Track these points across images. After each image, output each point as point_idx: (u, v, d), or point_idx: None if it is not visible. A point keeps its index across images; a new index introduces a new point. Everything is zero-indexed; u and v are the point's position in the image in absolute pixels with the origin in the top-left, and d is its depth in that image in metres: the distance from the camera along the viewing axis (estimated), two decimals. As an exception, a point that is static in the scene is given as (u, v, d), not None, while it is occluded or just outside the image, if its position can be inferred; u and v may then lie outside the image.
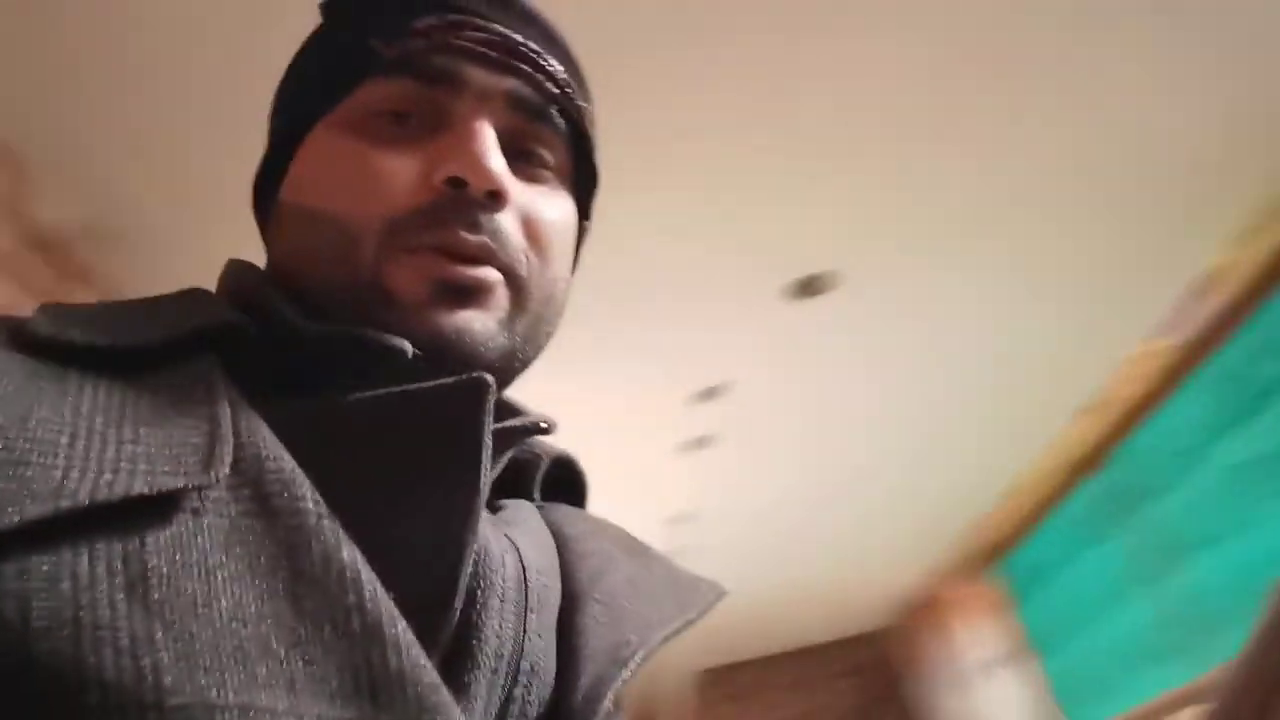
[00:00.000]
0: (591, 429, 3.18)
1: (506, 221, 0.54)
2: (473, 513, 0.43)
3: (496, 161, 0.53)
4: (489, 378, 0.46)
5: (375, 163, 0.54)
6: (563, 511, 0.60)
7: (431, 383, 0.46)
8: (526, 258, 0.55)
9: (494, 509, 0.56)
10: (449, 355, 0.51)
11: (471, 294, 0.52)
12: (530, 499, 0.60)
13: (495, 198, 0.53)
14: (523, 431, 0.56)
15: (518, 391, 0.59)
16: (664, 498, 3.77)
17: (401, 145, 0.55)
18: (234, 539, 0.38)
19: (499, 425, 0.52)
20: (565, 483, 0.64)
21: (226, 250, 0.62)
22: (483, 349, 0.52)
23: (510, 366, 0.55)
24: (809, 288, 2.77)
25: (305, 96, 0.59)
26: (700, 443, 3.42)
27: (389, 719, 0.36)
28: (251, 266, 0.58)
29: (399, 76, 0.55)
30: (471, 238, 0.52)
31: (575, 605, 0.50)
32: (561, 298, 0.59)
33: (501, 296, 0.54)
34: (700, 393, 3.16)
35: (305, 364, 0.50)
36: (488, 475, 0.44)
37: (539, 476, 0.62)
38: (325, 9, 0.61)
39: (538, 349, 0.58)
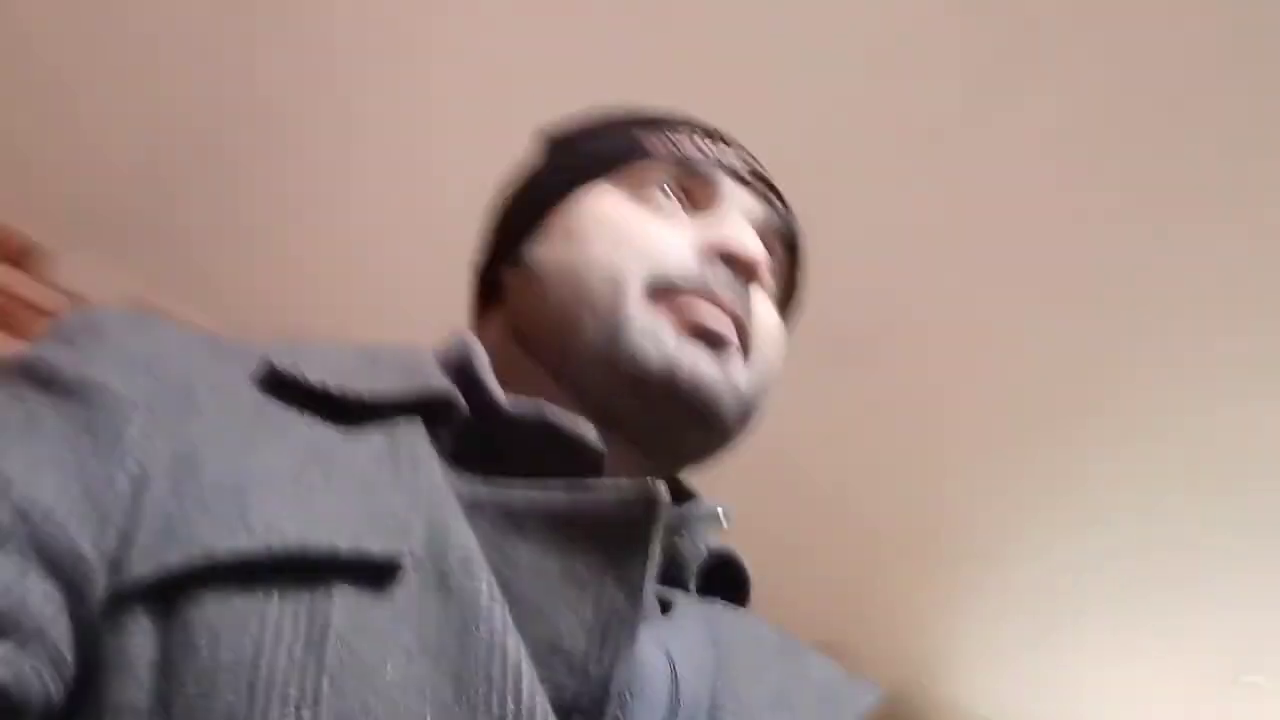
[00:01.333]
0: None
1: (758, 303, 0.61)
2: (633, 623, 0.43)
3: (761, 247, 0.61)
4: (663, 492, 0.47)
5: (648, 224, 0.60)
6: (718, 610, 0.59)
7: (609, 489, 0.48)
8: (760, 343, 0.61)
9: (664, 604, 0.56)
10: (678, 392, 0.55)
11: (723, 345, 0.57)
12: (686, 588, 0.60)
13: (754, 276, 0.60)
14: (697, 519, 0.59)
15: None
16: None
17: (670, 216, 0.62)
18: (412, 611, 0.41)
19: (676, 509, 0.55)
20: (728, 579, 0.63)
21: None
22: (713, 405, 0.56)
23: (715, 441, 0.60)
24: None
25: (567, 170, 0.65)
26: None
27: None
28: (476, 339, 0.59)
29: (669, 164, 0.63)
30: (732, 300, 0.58)
31: (719, 717, 0.50)
32: (768, 398, 0.62)
33: (741, 365, 0.58)
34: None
35: (499, 436, 0.53)
36: (651, 587, 0.45)
37: (697, 569, 0.61)
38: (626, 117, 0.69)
39: (741, 433, 0.61)
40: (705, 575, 0.62)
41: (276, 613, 0.39)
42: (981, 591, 2.81)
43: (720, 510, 0.60)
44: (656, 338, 0.55)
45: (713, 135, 0.66)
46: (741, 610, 0.62)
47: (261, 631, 0.38)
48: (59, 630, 0.38)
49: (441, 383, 0.53)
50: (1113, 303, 1.96)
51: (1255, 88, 1.43)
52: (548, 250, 0.62)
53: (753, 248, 0.59)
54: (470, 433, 0.53)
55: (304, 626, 0.39)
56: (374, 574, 0.41)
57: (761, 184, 0.65)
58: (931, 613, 2.90)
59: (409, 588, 0.42)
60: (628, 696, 0.44)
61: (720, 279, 0.58)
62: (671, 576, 0.59)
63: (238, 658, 0.37)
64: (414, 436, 0.49)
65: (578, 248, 0.60)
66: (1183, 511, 2.34)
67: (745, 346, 0.59)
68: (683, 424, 0.56)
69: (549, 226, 0.63)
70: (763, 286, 0.62)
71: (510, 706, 0.39)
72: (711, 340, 0.57)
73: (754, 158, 0.67)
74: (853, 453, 2.44)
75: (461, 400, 0.53)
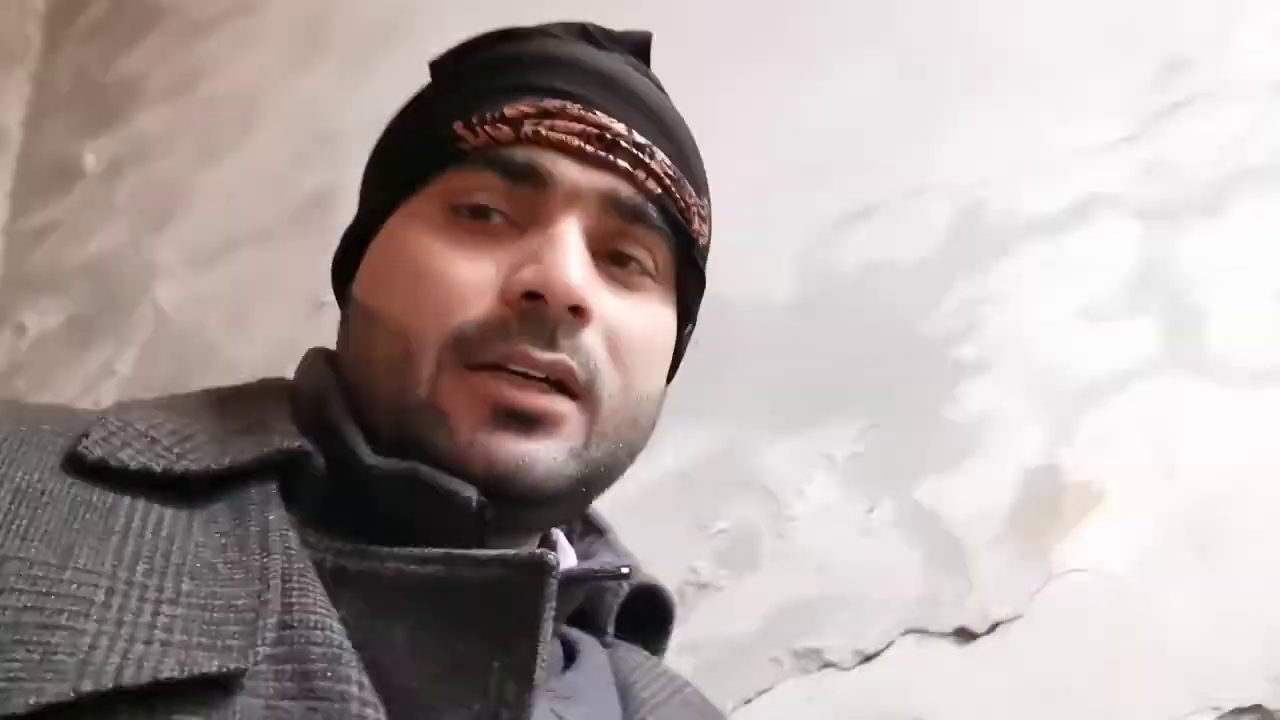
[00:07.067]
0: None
1: (588, 337, 0.50)
2: (524, 713, 0.40)
3: (578, 274, 0.49)
4: (552, 559, 0.42)
5: (446, 267, 0.50)
6: (636, 661, 0.56)
7: (491, 556, 0.43)
8: (608, 377, 0.51)
9: (567, 649, 0.54)
10: (507, 489, 0.47)
11: (537, 423, 0.48)
12: (603, 630, 0.57)
13: (576, 313, 0.49)
14: (597, 577, 0.55)
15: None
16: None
17: (479, 246, 0.50)
18: None
19: (571, 571, 0.49)
20: (644, 615, 0.59)
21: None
22: (546, 484, 0.48)
23: (584, 494, 0.52)
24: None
25: (385, 181, 0.56)
26: None
27: None
28: (326, 367, 0.54)
29: (482, 169, 0.51)
30: (545, 356, 0.48)
31: None
32: (650, 416, 0.55)
33: (574, 424, 0.50)
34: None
35: (367, 494, 0.48)
36: (543, 667, 0.41)
37: (615, 606, 0.58)
38: (432, 69, 0.58)
39: (619, 470, 0.54)
40: (623, 606, 0.58)
41: None
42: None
43: (625, 569, 0.53)
44: (446, 428, 0.47)
45: (555, 85, 0.52)
46: (659, 662, 0.58)
47: None
48: None
49: (291, 442, 0.46)
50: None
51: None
52: (358, 289, 0.54)
53: (561, 284, 0.48)
54: (337, 487, 0.47)
55: None
56: (216, 689, 0.36)
57: (609, 150, 0.51)
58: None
59: (264, 696, 0.37)
60: None
61: (531, 328, 0.48)
62: (583, 615, 0.56)
63: None
64: (265, 504, 0.44)
65: (377, 295, 0.52)
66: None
67: (582, 395, 0.50)
68: (511, 507, 0.48)
69: (368, 256, 0.54)
70: (592, 317, 0.50)
71: None
72: (521, 421, 0.48)
73: (618, 80, 0.54)
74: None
75: (319, 458, 0.47)
